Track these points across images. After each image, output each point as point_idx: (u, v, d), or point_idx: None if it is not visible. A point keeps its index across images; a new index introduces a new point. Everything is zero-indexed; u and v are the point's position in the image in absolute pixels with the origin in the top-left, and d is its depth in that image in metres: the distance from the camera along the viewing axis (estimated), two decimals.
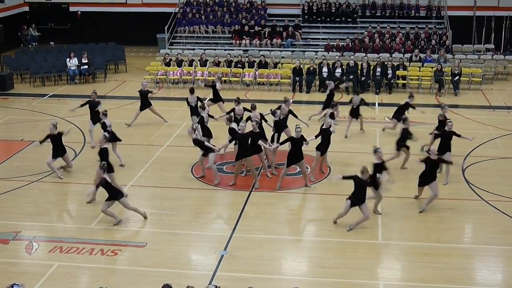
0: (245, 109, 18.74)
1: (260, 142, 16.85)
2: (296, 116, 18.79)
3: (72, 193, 16.49)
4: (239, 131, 16.81)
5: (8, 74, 27.48)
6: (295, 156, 16.33)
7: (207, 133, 18.23)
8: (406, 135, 17.37)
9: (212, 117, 18.70)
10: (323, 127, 17.14)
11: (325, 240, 14.01)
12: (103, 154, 15.62)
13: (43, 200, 16.16)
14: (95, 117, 19.11)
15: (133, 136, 20.81)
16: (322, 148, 17.04)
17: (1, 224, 14.65)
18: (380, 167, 14.73)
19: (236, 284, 11.88)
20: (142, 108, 21.62)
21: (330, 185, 16.82)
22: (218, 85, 22.26)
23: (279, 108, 18.62)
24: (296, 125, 16.58)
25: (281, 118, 18.12)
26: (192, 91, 20.77)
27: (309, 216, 15.62)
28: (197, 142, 16.90)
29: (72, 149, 19.35)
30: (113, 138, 17.61)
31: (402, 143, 17.46)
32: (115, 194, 14.35)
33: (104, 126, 17.99)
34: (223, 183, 16.88)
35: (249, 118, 18.03)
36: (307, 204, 16.10)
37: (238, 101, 19.03)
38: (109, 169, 15.22)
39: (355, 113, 20.76)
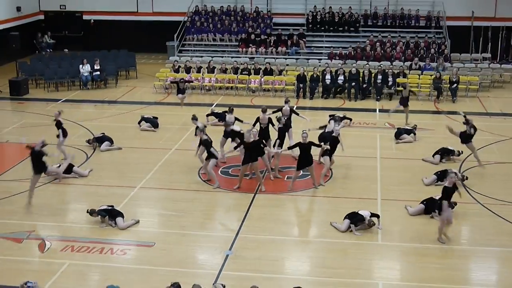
0: (236, 118, 18.60)
1: (266, 148, 16.97)
2: (297, 114, 19.21)
3: (83, 195, 16.50)
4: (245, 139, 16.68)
5: (23, 79, 27.55)
6: (305, 161, 16.33)
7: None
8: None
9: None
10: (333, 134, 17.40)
11: (327, 241, 13.98)
12: (39, 156, 15.39)
13: (56, 201, 16.19)
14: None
15: (142, 139, 20.89)
16: (330, 152, 17.11)
17: (15, 223, 14.69)
18: (450, 192, 13.57)
19: (240, 283, 11.87)
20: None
21: (332, 188, 16.83)
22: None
23: (280, 110, 18.82)
24: (302, 131, 16.55)
25: (284, 122, 18.09)
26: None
27: (312, 218, 15.59)
28: (205, 143, 16.87)
29: (84, 152, 19.43)
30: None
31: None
32: None
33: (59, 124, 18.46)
34: (228, 186, 16.86)
35: (257, 120, 18.09)
36: (310, 206, 16.06)
37: (231, 110, 18.95)
38: (41, 169, 15.43)
39: (404, 102, 22.23)
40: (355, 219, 14.23)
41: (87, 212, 14.65)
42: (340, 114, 22.31)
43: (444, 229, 13.70)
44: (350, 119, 22.20)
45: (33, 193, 15.52)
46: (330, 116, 22.27)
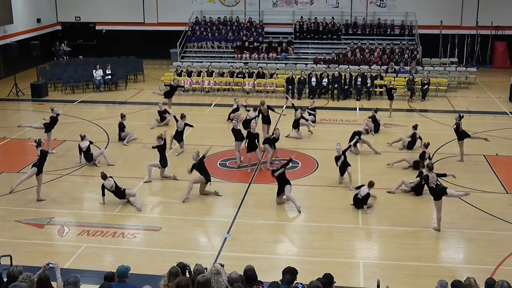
0: (187, 124, 19.10)
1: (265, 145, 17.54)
2: (273, 110, 19.90)
3: (97, 185, 16.41)
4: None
5: (43, 83, 27.44)
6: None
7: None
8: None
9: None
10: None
11: (314, 225, 14.03)
12: (43, 155, 15.37)
13: (73, 190, 16.16)
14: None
15: (150, 136, 20.81)
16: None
17: (38, 211, 14.69)
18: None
19: (237, 262, 11.82)
20: None
21: (318, 178, 16.84)
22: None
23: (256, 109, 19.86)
24: (337, 143, 16.65)
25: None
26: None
27: (300, 204, 15.52)
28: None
29: (97, 147, 19.37)
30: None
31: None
32: None
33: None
34: (225, 176, 16.82)
35: (260, 111, 19.30)
36: (297, 194, 15.95)
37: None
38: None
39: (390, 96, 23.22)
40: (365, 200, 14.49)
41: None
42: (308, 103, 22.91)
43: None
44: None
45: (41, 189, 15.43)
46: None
